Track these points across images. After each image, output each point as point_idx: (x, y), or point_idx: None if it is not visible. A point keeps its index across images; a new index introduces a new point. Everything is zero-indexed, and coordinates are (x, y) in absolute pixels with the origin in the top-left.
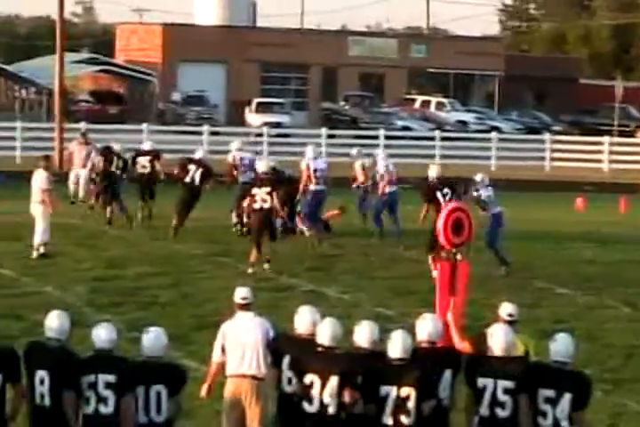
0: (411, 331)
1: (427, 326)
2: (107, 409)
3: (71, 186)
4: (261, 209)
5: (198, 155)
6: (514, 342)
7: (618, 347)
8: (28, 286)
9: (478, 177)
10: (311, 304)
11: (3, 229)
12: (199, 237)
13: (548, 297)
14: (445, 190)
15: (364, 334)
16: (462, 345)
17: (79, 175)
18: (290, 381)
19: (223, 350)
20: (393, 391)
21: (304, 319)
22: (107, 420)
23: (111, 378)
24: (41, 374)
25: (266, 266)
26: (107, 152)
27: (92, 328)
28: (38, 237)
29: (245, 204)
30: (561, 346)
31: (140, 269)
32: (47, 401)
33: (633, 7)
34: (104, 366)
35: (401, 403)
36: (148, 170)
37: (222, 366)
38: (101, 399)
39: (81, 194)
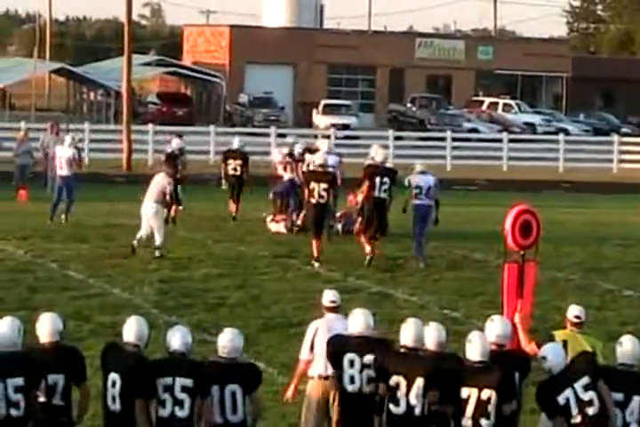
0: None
1: (495, 329)
2: (182, 412)
3: None
4: (318, 204)
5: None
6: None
7: None
8: (95, 288)
9: (417, 167)
10: (378, 306)
11: (71, 231)
12: (264, 238)
13: (616, 299)
14: (385, 179)
15: (431, 337)
16: (529, 347)
17: None
18: (352, 380)
19: (312, 347)
20: (474, 393)
21: (358, 321)
22: (182, 423)
23: (188, 382)
24: (113, 377)
25: (316, 264)
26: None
27: (158, 330)
28: (159, 238)
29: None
30: (627, 349)
31: (206, 271)
32: (117, 405)
33: None
34: (181, 369)
35: (482, 405)
36: (238, 173)
37: (309, 364)
38: (177, 402)
39: None
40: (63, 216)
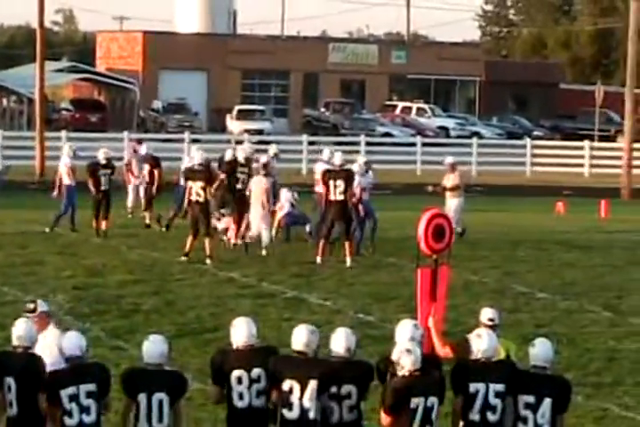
0: (390, 337)
1: (406, 332)
2: (89, 418)
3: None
4: (197, 202)
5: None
6: (497, 345)
7: (598, 351)
8: (9, 296)
9: (355, 166)
10: (292, 310)
11: None
12: (179, 244)
13: (529, 302)
14: (338, 182)
15: (339, 342)
16: (444, 351)
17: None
18: (241, 396)
19: None
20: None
21: (240, 331)
22: None
23: (91, 387)
24: (8, 381)
25: (208, 261)
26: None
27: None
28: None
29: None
30: (540, 351)
31: (121, 277)
32: (15, 409)
33: (612, 12)
34: (82, 375)
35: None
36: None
37: None
38: (84, 409)
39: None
40: None
